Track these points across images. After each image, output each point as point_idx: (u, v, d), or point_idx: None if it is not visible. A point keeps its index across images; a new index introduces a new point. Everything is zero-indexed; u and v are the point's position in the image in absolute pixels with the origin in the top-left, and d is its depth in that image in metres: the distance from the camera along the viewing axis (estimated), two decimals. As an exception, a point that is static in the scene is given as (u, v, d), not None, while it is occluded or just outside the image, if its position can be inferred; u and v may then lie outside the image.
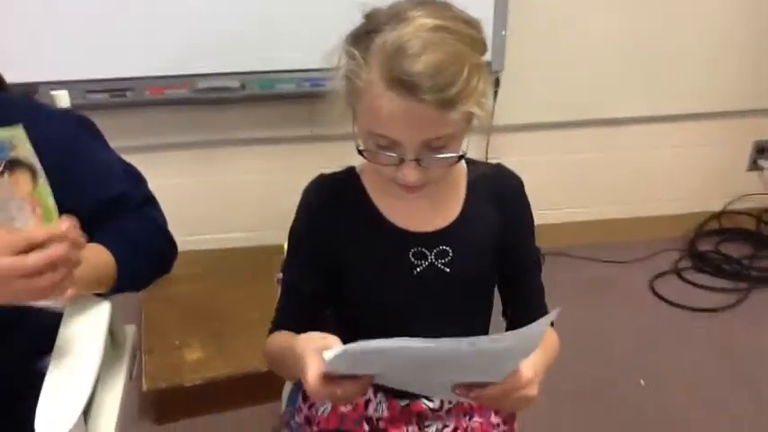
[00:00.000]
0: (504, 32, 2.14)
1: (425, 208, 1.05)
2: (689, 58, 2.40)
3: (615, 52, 2.35)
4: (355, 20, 0.95)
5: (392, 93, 0.86)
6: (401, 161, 0.91)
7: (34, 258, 0.80)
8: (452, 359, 0.79)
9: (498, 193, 1.08)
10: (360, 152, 0.94)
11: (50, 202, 0.91)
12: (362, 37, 0.90)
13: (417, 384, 0.93)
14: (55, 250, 0.81)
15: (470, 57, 0.88)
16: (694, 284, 2.47)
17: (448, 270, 1.04)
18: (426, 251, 1.04)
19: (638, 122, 2.50)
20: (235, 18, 1.97)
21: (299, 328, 0.96)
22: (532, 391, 0.86)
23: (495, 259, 1.08)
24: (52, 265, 0.81)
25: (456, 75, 0.86)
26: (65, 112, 1.14)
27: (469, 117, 0.91)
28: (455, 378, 0.85)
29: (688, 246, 2.64)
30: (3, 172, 0.88)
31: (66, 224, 0.83)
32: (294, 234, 1.08)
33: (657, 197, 2.67)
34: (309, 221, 1.06)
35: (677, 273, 2.52)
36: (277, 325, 1.08)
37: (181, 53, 1.99)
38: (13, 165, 0.88)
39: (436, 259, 1.04)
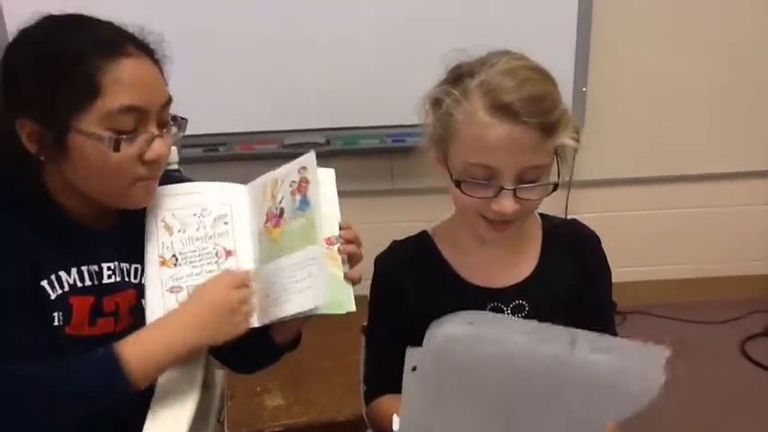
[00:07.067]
0: (584, 89, 2.15)
1: (500, 264, 1.07)
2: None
3: (700, 107, 2.32)
4: (438, 77, 1.00)
5: (495, 119, 0.91)
6: (498, 192, 0.93)
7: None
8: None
9: (575, 247, 1.09)
10: (456, 183, 0.96)
11: None
12: (456, 80, 0.96)
13: None
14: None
15: (560, 96, 0.94)
16: (789, 348, 2.34)
17: None
18: (503, 306, 1.05)
19: (726, 178, 2.44)
20: (320, 77, 2.07)
21: (397, 388, 1.00)
22: None
23: (573, 313, 1.07)
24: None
25: (555, 103, 0.92)
26: None
27: (557, 153, 0.96)
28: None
29: (782, 307, 2.52)
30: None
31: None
32: (375, 302, 1.11)
33: (747, 255, 2.57)
34: (388, 288, 1.09)
35: (770, 335, 2.40)
36: (374, 390, 1.12)
37: (270, 111, 2.09)
38: None
39: (513, 314, 1.05)
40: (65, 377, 0.89)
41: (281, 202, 1.02)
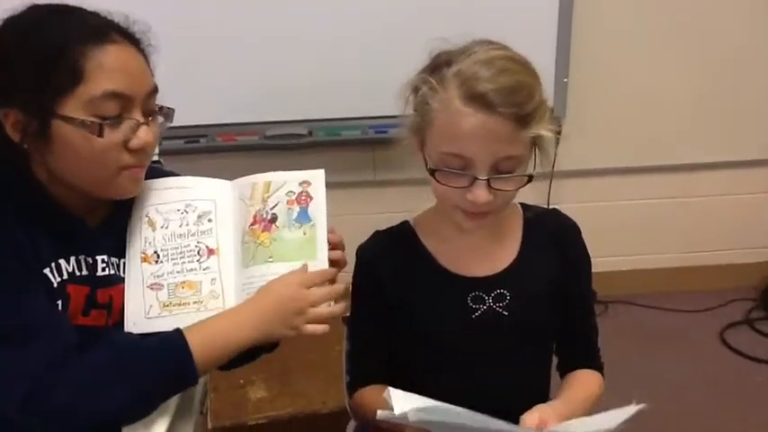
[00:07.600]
0: (565, 80, 2.16)
1: (482, 253, 1.07)
2: (762, 103, 2.37)
3: (681, 97, 2.34)
4: (420, 67, 1.00)
5: (469, 109, 0.90)
6: (472, 182, 0.93)
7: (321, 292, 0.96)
8: None
9: (556, 236, 1.09)
10: (431, 173, 0.96)
11: None
12: (435, 69, 0.96)
13: None
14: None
15: (539, 87, 0.94)
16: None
17: (506, 313, 1.05)
18: (484, 295, 1.06)
19: (706, 168, 2.46)
20: (302, 68, 2.06)
21: (381, 379, 1.02)
22: None
23: (553, 302, 1.09)
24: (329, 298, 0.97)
25: (531, 95, 0.92)
26: None
27: (535, 144, 0.96)
28: None
29: (761, 295, 2.54)
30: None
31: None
32: (357, 292, 1.11)
33: (728, 245, 2.60)
34: (369, 278, 1.09)
35: (749, 323, 2.43)
36: (357, 380, 1.12)
37: (252, 102, 2.08)
38: None
39: (494, 303, 1.06)
40: (139, 350, 0.92)
41: (273, 207, 1.02)
